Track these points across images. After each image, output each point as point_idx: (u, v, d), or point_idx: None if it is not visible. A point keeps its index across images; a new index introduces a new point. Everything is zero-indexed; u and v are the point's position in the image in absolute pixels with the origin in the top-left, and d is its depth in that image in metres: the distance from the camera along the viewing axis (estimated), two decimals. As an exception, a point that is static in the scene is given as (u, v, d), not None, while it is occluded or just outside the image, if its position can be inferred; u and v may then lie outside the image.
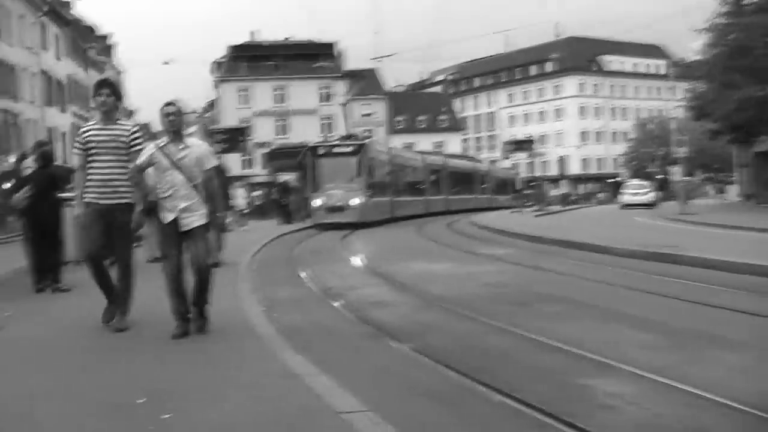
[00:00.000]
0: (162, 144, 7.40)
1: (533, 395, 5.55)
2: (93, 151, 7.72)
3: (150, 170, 7.61)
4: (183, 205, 7.30)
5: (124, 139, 7.81)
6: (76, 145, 7.94)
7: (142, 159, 7.48)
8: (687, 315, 9.17)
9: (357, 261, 17.40)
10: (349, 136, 37.86)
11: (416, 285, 12.21)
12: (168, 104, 7.38)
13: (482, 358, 7.00)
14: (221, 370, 5.97)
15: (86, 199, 7.73)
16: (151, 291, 8.65)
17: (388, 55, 48.10)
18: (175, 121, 7.35)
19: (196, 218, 7.33)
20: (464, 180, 55.35)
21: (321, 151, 35.38)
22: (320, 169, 34.67)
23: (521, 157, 66.42)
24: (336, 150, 35.34)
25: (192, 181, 7.33)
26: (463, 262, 16.49)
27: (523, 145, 53.96)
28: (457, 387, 5.98)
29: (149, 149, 7.45)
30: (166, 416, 4.77)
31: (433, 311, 9.84)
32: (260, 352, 6.56)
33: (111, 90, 7.89)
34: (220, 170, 8.72)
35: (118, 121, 7.96)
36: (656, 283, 11.71)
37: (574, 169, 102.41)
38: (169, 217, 7.34)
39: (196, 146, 7.55)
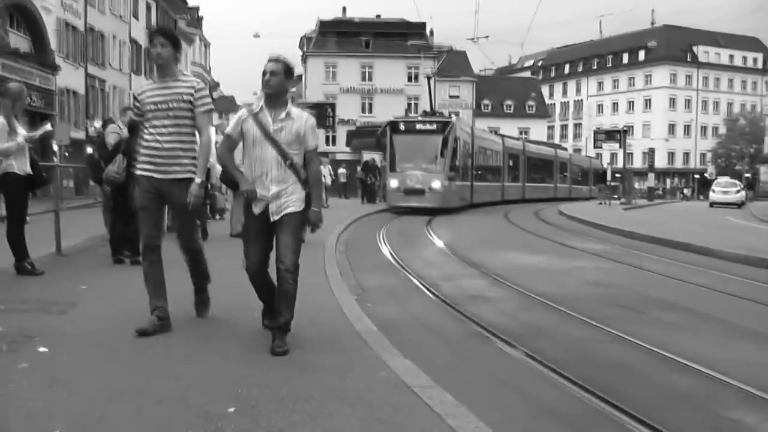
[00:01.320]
0: (256, 110, 6.00)
1: (677, 427, 4.81)
2: (150, 114, 6.42)
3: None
4: (275, 189, 5.92)
5: (187, 98, 6.40)
6: (134, 109, 6.77)
7: (231, 127, 6.10)
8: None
9: (447, 248, 16.60)
10: (433, 113, 34.23)
11: (514, 279, 11.42)
12: (270, 60, 5.94)
13: (604, 372, 6.25)
14: (320, 376, 5.20)
15: (139, 173, 6.50)
16: (234, 271, 8.00)
17: (485, 37, 46.51)
18: (273, 82, 5.88)
19: (289, 203, 5.94)
20: (543, 168, 52.25)
21: (402, 127, 31.87)
22: (400, 147, 31.36)
23: (607, 147, 64.49)
24: (419, 126, 31.75)
25: (287, 160, 5.93)
26: (558, 255, 15.66)
27: (614, 135, 52.22)
28: (585, 408, 5.26)
29: (240, 114, 6.08)
30: (262, 432, 4.08)
31: (538, 311, 9.08)
32: (362, 354, 5.83)
33: (167, 39, 6.45)
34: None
35: (180, 77, 6.52)
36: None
37: (660, 162, 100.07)
38: (258, 207, 6.00)
39: (299, 118, 5.99)
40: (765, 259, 14.51)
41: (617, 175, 54.23)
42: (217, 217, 19.42)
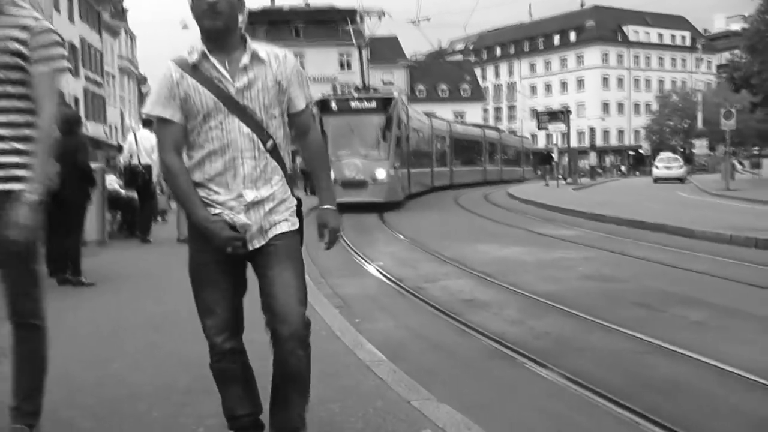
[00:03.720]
0: (195, 59, 3.28)
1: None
2: None
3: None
4: (251, 195, 3.29)
5: (15, 47, 3.44)
6: None
7: (160, 100, 3.31)
8: None
9: (413, 243, 15.41)
10: (366, 89, 28.94)
11: (502, 276, 10.31)
12: None
13: (667, 396, 5.15)
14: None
15: None
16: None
17: (426, 19, 45.37)
18: (222, 6, 3.16)
19: (278, 217, 3.36)
20: (470, 149, 48.87)
21: (334, 107, 26.50)
22: (333, 131, 25.58)
23: (553, 128, 63.93)
24: (355, 105, 26.59)
25: (268, 140, 3.32)
26: (535, 244, 14.52)
27: (558, 115, 51.56)
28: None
29: (169, 74, 3.29)
30: None
31: (548, 316, 7.91)
32: (387, 400, 4.44)
33: None
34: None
35: (7, 10, 3.48)
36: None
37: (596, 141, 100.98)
38: (222, 217, 3.29)
39: (275, 60, 3.35)
40: (751, 239, 13.72)
41: (553, 155, 53.57)
42: (160, 220, 17.90)
